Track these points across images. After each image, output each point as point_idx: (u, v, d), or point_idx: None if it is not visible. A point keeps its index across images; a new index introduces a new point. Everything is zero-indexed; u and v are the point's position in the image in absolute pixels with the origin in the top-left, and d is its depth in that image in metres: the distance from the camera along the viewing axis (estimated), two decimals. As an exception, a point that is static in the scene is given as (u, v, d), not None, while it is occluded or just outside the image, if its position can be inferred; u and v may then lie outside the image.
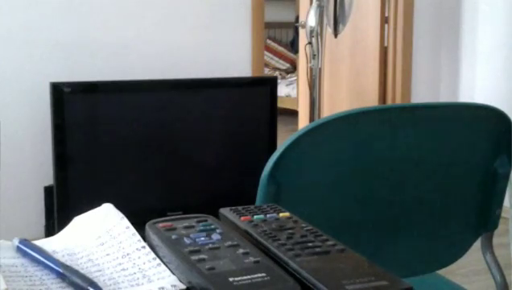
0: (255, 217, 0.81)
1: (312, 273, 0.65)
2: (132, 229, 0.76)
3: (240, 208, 0.84)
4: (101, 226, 0.77)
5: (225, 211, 0.84)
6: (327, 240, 0.73)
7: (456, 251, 1.37)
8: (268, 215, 0.81)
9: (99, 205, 0.81)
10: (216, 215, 0.85)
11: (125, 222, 0.77)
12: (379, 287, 0.62)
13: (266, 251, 0.71)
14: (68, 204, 2.56)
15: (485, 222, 1.35)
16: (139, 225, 0.79)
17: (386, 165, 1.22)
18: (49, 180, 2.63)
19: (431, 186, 1.27)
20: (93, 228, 0.78)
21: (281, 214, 0.82)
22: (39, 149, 2.77)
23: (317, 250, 0.70)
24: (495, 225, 1.35)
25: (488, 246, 1.38)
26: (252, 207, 0.85)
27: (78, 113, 2.63)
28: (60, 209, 2.57)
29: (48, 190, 2.65)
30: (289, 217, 0.81)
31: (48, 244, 0.75)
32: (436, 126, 1.19)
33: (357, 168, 1.21)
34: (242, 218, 0.80)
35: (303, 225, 0.78)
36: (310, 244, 0.71)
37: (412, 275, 1.19)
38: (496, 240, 1.38)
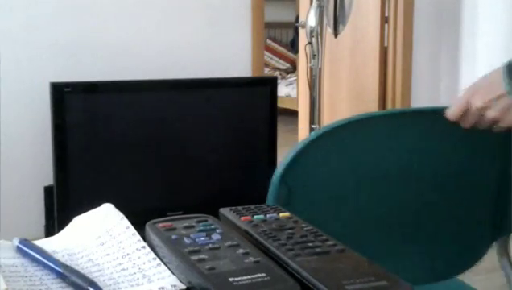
0: (255, 217, 0.81)
1: (312, 273, 0.65)
2: (132, 229, 0.76)
3: (240, 208, 0.84)
4: (101, 226, 0.77)
5: (225, 211, 0.85)
6: (327, 240, 0.73)
7: (473, 256, 1.34)
8: (268, 215, 0.81)
9: (99, 205, 0.81)
10: (216, 215, 0.85)
11: (125, 222, 0.77)
12: (379, 287, 0.62)
13: (266, 251, 0.71)
14: (68, 204, 2.56)
15: (501, 226, 1.32)
16: (139, 225, 0.79)
17: (399, 170, 1.20)
18: (49, 180, 2.63)
19: (445, 191, 1.25)
20: (93, 228, 0.78)
21: (281, 214, 0.82)
22: (39, 149, 2.77)
23: (317, 250, 0.70)
24: (511, 230, 1.33)
25: (504, 250, 1.35)
26: (252, 207, 0.85)
27: (78, 113, 2.63)
28: (60, 209, 2.57)
29: (48, 190, 2.65)
30: (289, 217, 0.81)
31: (48, 244, 0.75)
32: (450, 129, 1.17)
33: (371, 174, 1.19)
34: (242, 218, 0.80)
35: (303, 225, 0.78)
36: (310, 244, 0.72)
37: (428, 281, 1.17)
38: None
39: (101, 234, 0.76)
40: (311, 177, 1.16)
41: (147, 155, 2.74)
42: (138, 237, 0.75)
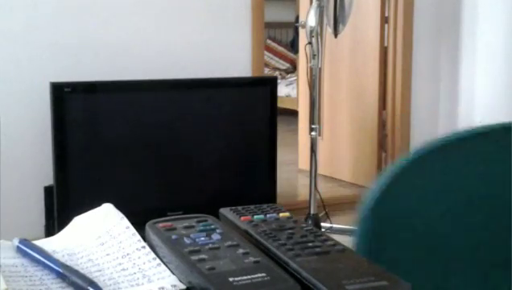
0: (255, 217, 0.81)
1: (312, 273, 0.64)
2: (132, 229, 0.76)
3: (240, 208, 0.84)
4: (101, 226, 0.77)
5: (225, 211, 0.84)
6: (327, 240, 0.73)
7: None
8: (268, 215, 0.81)
9: (99, 204, 0.81)
10: (216, 215, 0.85)
11: (125, 222, 0.77)
12: (379, 287, 0.62)
13: (266, 251, 0.71)
14: (68, 204, 2.56)
15: None
16: (139, 225, 0.79)
17: None
18: (49, 180, 2.63)
19: None
20: (93, 228, 0.78)
21: (281, 214, 0.82)
22: (39, 149, 2.77)
23: (317, 250, 0.70)
24: None
25: None
26: (252, 207, 0.85)
27: (78, 113, 2.63)
28: (60, 209, 2.57)
29: (48, 190, 2.65)
30: (289, 217, 0.81)
31: (48, 244, 0.75)
32: None
33: (480, 202, 1.02)
34: (242, 218, 0.80)
35: (303, 225, 0.78)
36: (310, 244, 0.71)
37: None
38: None
39: (101, 234, 0.76)
40: (407, 207, 0.98)
41: (147, 155, 2.74)
42: (138, 237, 0.75)
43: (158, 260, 0.70)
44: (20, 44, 2.81)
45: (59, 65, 2.85)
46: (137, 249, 0.73)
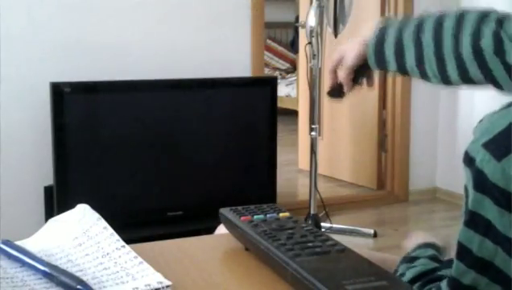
0: (255, 217, 0.81)
1: (312, 273, 0.64)
2: (110, 230, 0.76)
3: (240, 208, 0.84)
4: (77, 227, 0.77)
5: (224, 211, 0.85)
6: (327, 240, 0.73)
7: None
8: (268, 215, 0.81)
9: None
10: (217, 215, 0.85)
11: (103, 223, 0.77)
12: (379, 287, 0.62)
13: (266, 251, 0.71)
14: (68, 204, 2.56)
15: None
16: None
17: None
18: (49, 180, 2.63)
19: None
20: (69, 229, 0.77)
21: (281, 214, 0.82)
22: (39, 149, 2.77)
23: (317, 250, 0.70)
24: None
25: None
26: (252, 207, 0.85)
27: (78, 113, 2.63)
28: (60, 209, 2.56)
29: (48, 190, 2.65)
30: (289, 217, 0.81)
31: (23, 246, 0.75)
32: None
33: None
34: (242, 218, 0.80)
35: (303, 225, 0.78)
36: (310, 244, 0.71)
37: None
38: None
39: (78, 235, 0.76)
40: None
41: (147, 155, 2.74)
42: (117, 237, 0.74)
43: (139, 259, 0.70)
44: (20, 44, 2.81)
45: (59, 65, 2.85)
46: (116, 248, 0.72)
